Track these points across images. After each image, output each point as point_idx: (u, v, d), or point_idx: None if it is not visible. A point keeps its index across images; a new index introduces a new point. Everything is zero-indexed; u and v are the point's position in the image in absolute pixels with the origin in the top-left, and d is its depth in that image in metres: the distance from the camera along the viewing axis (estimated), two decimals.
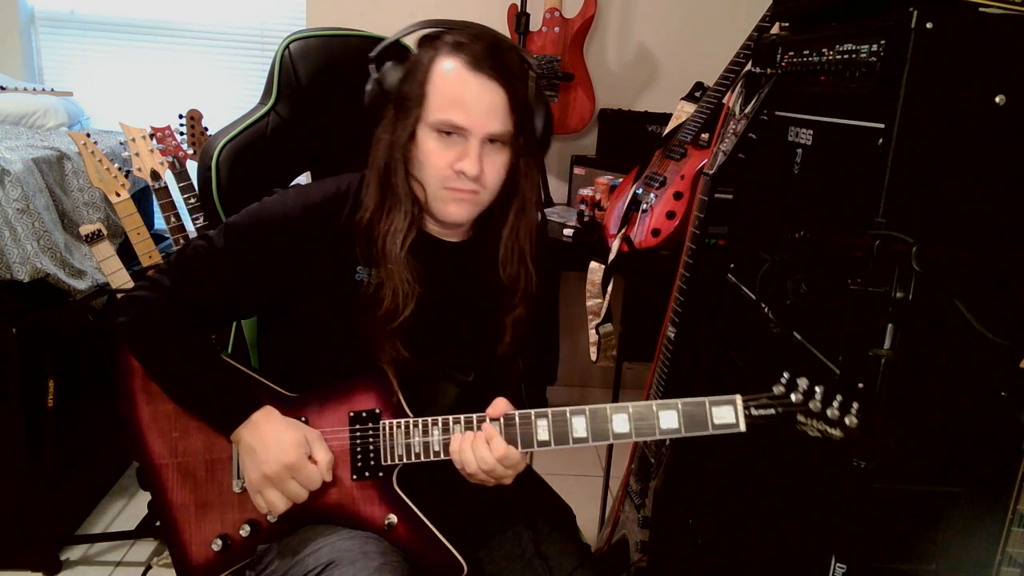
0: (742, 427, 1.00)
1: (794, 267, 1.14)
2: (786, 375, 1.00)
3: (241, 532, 1.12)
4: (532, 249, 1.15)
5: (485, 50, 1.04)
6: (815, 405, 0.97)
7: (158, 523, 1.92)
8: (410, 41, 1.13)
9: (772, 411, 1.00)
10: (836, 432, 0.96)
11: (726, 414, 1.01)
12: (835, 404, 0.96)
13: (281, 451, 1.05)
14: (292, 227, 1.10)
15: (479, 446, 1.04)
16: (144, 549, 2.06)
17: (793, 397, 0.99)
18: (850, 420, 0.95)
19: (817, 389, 0.98)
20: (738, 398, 1.01)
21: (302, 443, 1.06)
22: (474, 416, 1.07)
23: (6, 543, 1.94)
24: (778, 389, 1.00)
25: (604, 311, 1.82)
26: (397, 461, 1.09)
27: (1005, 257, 0.97)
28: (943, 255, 0.93)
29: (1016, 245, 0.97)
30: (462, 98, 1.03)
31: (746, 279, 1.38)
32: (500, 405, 1.06)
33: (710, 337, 1.52)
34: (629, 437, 1.03)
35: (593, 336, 1.85)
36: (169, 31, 2.84)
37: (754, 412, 1.01)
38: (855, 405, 0.95)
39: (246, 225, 1.11)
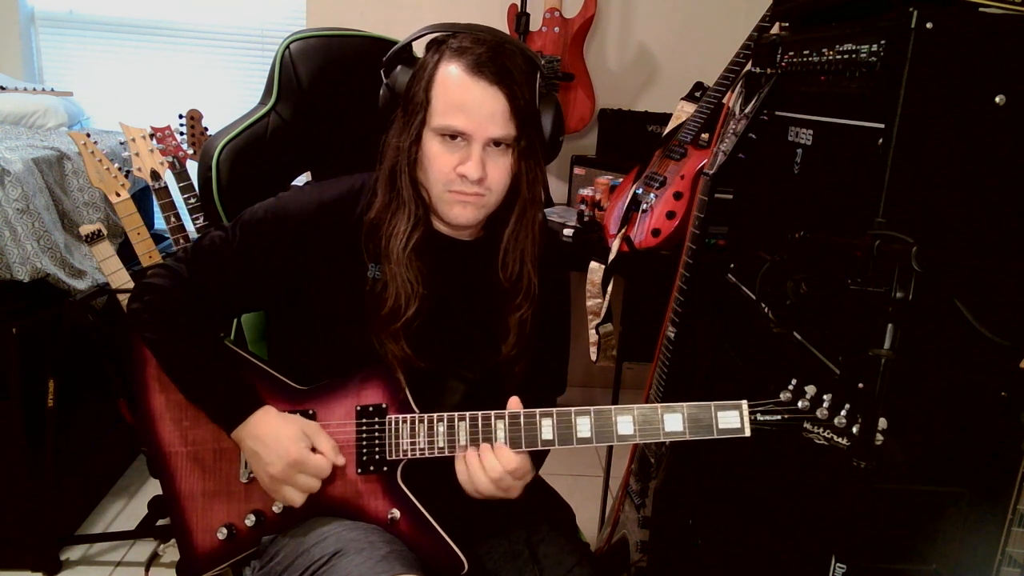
0: (747, 432, 1.00)
1: (794, 267, 1.14)
2: (794, 382, 1.00)
3: (246, 522, 1.13)
4: (535, 251, 1.16)
5: (487, 54, 1.04)
6: (822, 413, 0.97)
7: (159, 522, 1.96)
8: (421, 43, 1.13)
9: (778, 417, 1.00)
10: (843, 441, 0.96)
11: (732, 419, 1.01)
12: (843, 413, 0.95)
13: (282, 449, 1.05)
14: (306, 222, 1.12)
15: (486, 456, 1.05)
16: (144, 549, 2.06)
17: (800, 404, 0.98)
18: (858, 429, 0.94)
19: (825, 397, 0.97)
20: (744, 404, 1.01)
21: (300, 437, 1.07)
22: (479, 414, 1.07)
23: (6, 543, 1.94)
24: (785, 396, 1.00)
25: (604, 311, 1.82)
26: (402, 456, 1.09)
27: (1005, 257, 0.97)
28: (943, 255, 0.93)
29: (1016, 245, 0.97)
30: (463, 103, 1.04)
31: (746, 279, 1.38)
32: (513, 404, 1.07)
33: (710, 337, 1.52)
34: (633, 439, 1.03)
35: (593, 336, 1.85)
36: (169, 31, 2.84)
37: (760, 418, 1.00)
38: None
39: (262, 219, 1.13)
